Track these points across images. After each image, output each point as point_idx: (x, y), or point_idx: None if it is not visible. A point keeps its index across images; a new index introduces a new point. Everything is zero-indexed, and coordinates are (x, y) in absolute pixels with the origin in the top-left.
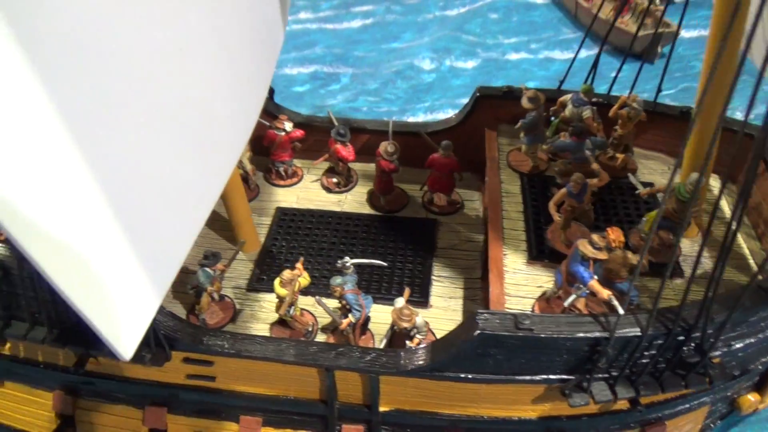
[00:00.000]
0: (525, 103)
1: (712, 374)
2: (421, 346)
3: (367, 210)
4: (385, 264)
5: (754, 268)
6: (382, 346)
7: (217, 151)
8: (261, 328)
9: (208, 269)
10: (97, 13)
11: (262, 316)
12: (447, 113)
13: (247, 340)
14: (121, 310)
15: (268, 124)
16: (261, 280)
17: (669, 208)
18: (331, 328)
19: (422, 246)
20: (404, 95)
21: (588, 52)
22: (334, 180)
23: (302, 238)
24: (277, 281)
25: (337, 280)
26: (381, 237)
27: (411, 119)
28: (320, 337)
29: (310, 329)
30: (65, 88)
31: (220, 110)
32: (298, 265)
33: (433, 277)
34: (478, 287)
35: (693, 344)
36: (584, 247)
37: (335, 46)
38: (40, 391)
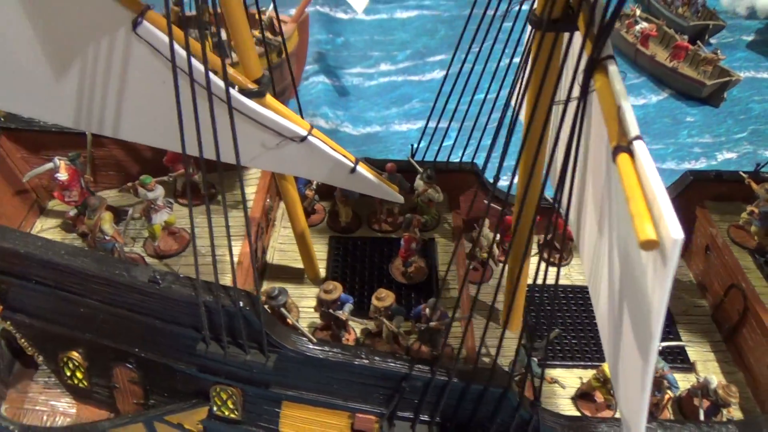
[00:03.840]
0: (765, 194)
1: None
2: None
3: None
4: (684, 343)
5: None
6: (702, 418)
7: None
8: (563, 403)
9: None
10: None
11: (560, 391)
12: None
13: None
14: None
15: None
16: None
17: None
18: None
19: None
20: (516, 148)
21: (657, 97)
22: (556, 254)
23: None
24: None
25: (660, 363)
26: None
27: None
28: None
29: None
30: None
31: None
32: None
33: (683, 342)
34: (724, 349)
35: None
36: None
37: (429, 99)
38: None
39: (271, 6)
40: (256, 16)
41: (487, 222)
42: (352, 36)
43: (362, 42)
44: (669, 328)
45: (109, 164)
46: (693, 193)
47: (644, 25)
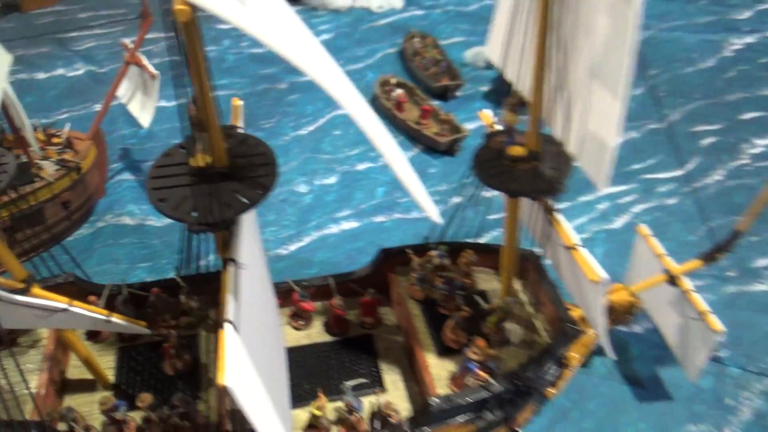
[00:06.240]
0: (416, 266)
1: None
2: None
3: (328, 338)
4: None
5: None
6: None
7: None
8: None
9: None
10: None
11: None
12: (330, 229)
13: None
14: None
15: None
16: None
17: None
18: None
19: (368, 355)
20: (295, 218)
21: (411, 153)
22: (301, 322)
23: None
24: None
25: (349, 396)
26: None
27: (307, 239)
28: None
29: None
30: None
31: None
32: None
33: (382, 371)
34: (411, 379)
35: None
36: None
37: None
38: None
39: (67, 126)
40: (53, 140)
41: None
42: (156, 125)
43: (165, 131)
44: (374, 363)
45: None
46: (386, 264)
47: (399, 92)
